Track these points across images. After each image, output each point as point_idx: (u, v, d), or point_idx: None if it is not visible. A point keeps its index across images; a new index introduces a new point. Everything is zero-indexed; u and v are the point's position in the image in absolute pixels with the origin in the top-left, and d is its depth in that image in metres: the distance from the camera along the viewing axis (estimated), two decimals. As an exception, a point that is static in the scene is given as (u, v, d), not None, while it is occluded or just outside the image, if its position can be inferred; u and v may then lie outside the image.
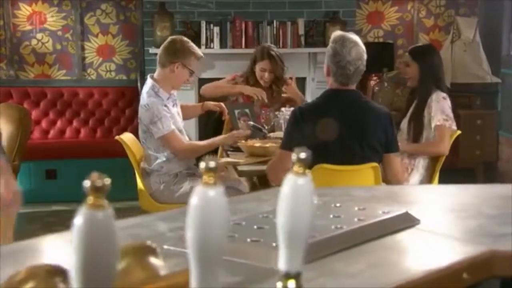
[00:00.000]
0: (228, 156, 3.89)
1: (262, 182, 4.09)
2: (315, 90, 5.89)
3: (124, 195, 4.17)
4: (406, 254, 1.17)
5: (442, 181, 4.15)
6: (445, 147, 3.70)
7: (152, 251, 0.85)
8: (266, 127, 4.14)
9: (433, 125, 3.69)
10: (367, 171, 3.20)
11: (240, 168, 3.56)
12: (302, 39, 6.00)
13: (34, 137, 5.95)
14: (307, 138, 3.05)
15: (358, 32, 6.29)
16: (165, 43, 3.74)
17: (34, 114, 6.01)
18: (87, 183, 0.83)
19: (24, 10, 6.04)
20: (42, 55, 6.11)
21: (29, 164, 5.50)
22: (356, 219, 1.26)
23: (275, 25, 5.96)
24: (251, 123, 4.04)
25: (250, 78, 4.39)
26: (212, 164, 0.85)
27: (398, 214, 1.31)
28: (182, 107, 3.92)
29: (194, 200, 0.84)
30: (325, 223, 1.23)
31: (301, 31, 5.99)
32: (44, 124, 6.06)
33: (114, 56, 6.19)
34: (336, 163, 3.09)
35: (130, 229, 1.33)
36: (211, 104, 4.06)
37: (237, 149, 3.86)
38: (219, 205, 0.84)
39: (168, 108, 3.64)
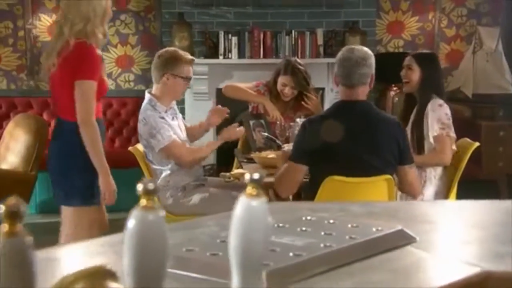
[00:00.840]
0: (241, 167, 3.86)
1: (277, 195, 4.04)
2: (333, 100, 5.81)
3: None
4: (396, 275, 1.12)
5: (462, 193, 4.06)
6: (447, 158, 3.61)
7: (111, 275, 0.82)
8: (281, 138, 4.09)
9: (431, 136, 3.61)
10: (380, 184, 3.13)
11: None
12: (321, 49, 5.96)
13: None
14: (316, 150, 3.02)
15: (378, 42, 6.26)
16: (154, 59, 3.73)
17: (53, 124, 6.01)
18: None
19: (45, 20, 6.09)
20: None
21: (46, 174, 5.51)
22: (347, 237, 1.22)
23: (293, 35, 5.92)
24: (265, 134, 4.00)
25: (273, 88, 4.32)
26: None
27: (392, 232, 1.26)
28: (188, 128, 3.91)
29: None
30: (315, 241, 1.19)
31: (320, 41, 5.94)
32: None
33: (133, 66, 6.21)
34: (348, 176, 3.03)
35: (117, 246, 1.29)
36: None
37: (252, 161, 3.81)
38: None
39: (166, 120, 3.61)
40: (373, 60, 3.07)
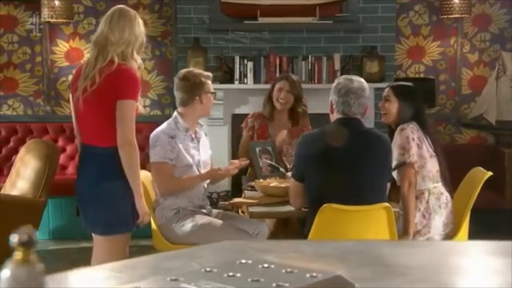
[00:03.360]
0: (244, 195, 3.75)
1: (281, 224, 3.93)
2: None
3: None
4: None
5: (481, 223, 3.91)
6: (403, 189, 3.45)
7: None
8: (289, 166, 3.98)
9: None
10: (379, 212, 3.05)
11: (251, 209, 3.40)
12: (338, 74, 5.83)
13: (68, 172, 5.96)
14: (311, 166, 3.09)
15: (398, 67, 6.13)
16: (178, 84, 3.71)
17: (69, 149, 6.04)
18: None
19: (62, 46, 6.12)
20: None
21: (61, 200, 5.50)
22: (274, 285, 1.10)
23: (310, 60, 5.83)
24: (267, 161, 3.90)
25: (266, 106, 4.34)
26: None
27: (328, 278, 1.14)
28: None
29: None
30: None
31: (337, 66, 5.83)
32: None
33: (149, 91, 6.18)
34: (345, 194, 3.00)
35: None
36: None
37: (255, 188, 3.71)
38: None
39: (176, 142, 3.56)
40: (369, 92, 3.17)
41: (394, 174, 3.44)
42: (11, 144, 5.98)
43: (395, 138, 3.49)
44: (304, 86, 5.67)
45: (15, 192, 4.87)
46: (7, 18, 6.04)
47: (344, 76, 3.28)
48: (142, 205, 2.96)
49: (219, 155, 5.73)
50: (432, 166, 3.56)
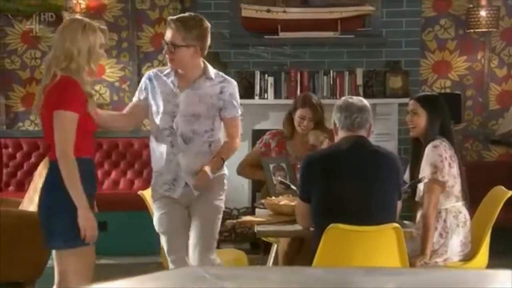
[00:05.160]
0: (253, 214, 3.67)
1: (297, 243, 3.84)
2: (374, 143, 5.55)
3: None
4: None
5: (503, 244, 3.77)
6: (427, 207, 3.37)
7: None
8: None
9: (422, 183, 3.40)
10: (388, 233, 2.93)
11: (258, 227, 3.31)
12: (360, 89, 5.74)
13: (88, 187, 5.94)
14: (316, 186, 3.01)
15: (423, 82, 5.99)
16: None
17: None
18: None
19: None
20: (99, 106, 6.04)
21: (81, 215, 5.47)
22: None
23: (331, 75, 5.74)
24: (279, 178, 3.81)
25: (286, 126, 4.22)
26: None
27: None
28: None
29: None
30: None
31: (360, 81, 5.73)
32: (99, 175, 6.06)
33: (169, 107, 6.15)
34: (352, 215, 2.92)
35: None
36: None
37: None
38: None
39: (150, 79, 3.37)
40: (371, 110, 3.14)
41: (420, 190, 3.38)
42: (33, 159, 6.00)
43: (426, 154, 3.40)
44: (325, 101, 5.59)
45: (32, 207, 4.85)
46: (30, 33, 6.08)
47: (344, 97, 3.26)
48: (84, 218, 2.81)
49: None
50: (458, 185, 3.45)
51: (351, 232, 2.87)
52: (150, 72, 3.38)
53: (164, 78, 3.30)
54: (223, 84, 3.33)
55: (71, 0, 6.05)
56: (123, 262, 5.31)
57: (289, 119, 4.23)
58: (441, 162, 3.37)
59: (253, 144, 5.74)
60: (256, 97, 5.73)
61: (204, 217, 3.28)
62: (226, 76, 3.41)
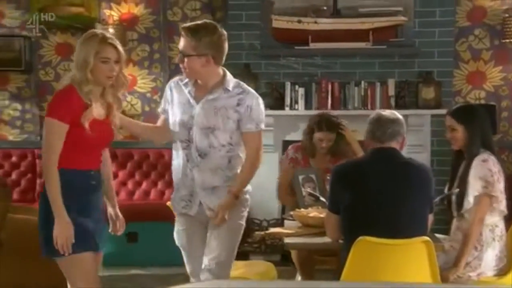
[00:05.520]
0: (281, 225, 3.64)
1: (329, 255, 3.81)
2: (406, 154, 5.47)
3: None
4: None
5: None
6: (473, 220, 3.30)
7: None
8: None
9: (471, 195, 3.33)
10: (418, 246, 2.87)
11: (286, 240, 3.27)
12: (392, 100, 5.68)
13: (121, 198, 5.98)
14: (345, 198, 2.97)
15: (456, 93, 5.89)
16: None
17: (121, 175, 6.07)
18: None
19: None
20: (130, 117, 6.15)
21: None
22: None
23: (363, 86, 5.69)
24: (308, 190, 3.78)
25: (307, 147, 4.20)
26: None
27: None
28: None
29: None
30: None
31: (391, 92, 5.68)
32: (130, 185, 6.09)
33: (200, 118, 6.16)
34: (381, 227, 2.87)
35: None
36: None
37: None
38: None
39: (170, 90, 3.24)
40: (404, 124, 3.09)
41: (469, 203, 3.32)
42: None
43: (474, 168, 3.34)
44: (356, 112, 5.59)
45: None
46: (64, 46, 6.17)
47: (376, 111, 3.25)
48: (57, 227, 2.74)
49: (268, 182, 5.63)
50: (504, 200, 3.42)
51: (380, 245, 2.82)
52: (171, 81, 3.25)
53: (183, 87, 3.14)
54: (241, 96, 3.07)
55: (105, 13, 6.12)
56: (154, 272, 5.31)
57: (309, 139, 4.18)
58: (491, 176, 3.31)
59: (283, 154, 5.71)
60: (287, 108, 5.71)
61: (222, 238, 3.09)
62: (247, 88, 3.13)
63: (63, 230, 2.75)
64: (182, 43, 3.04)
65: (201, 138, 3.06)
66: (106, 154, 3.06)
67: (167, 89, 3.23)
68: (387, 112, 3.11)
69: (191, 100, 3.09)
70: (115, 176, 6.04)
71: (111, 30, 5.87)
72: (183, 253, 3.24)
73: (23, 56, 6.06)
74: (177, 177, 3.18)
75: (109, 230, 3.07)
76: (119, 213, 3.10)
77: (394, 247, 2.84)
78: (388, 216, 2.89)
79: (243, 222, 3.18)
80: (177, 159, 3.16)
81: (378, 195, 2.92)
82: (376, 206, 2.90)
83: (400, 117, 3.09)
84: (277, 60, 5.81)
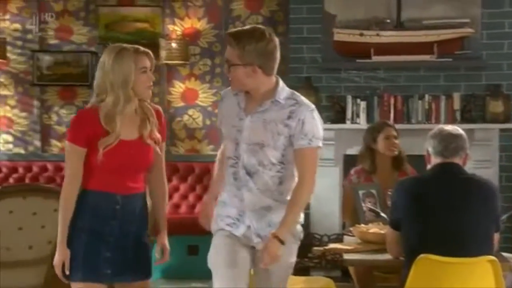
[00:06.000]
0: (341, 241, 3.57)
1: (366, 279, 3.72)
2: (472, 170, 5.28)
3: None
4: None
5: None
6: None
7: None
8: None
9: None
10: (483, 266, 2.76)
11: (345, 256, 3.20)
12: (458, 114, 5.53)
13: (182, 211, 6.02)
14: (407, 214, 2.89)
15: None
16: None
17: (182, 188, 6.11)
18: None
19: (178, 87, 6.26)
20: (192, 131, 6.26)
21: (173, 239, 5.49)
22: None
23: (427, 99, 5.57)
24: (369, 205, 3.70)
25: (366, 160, 4.13)
26: None
27: None
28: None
29: None
30: None
31: (457, 105, 5.54)
32: (191, 198, 6.12)
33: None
34: (444, 245, 2.76)
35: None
36: None
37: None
38: None
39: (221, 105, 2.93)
40: (467, 140, 2.99)
41: None
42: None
43: None
44: (419, 126, 5.47)
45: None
46: (128, 60, 6.27)
47: (438, 126, 3.15)
48: (57, 252, 2.63)
49: (329, 197, 5.56)
50: None
51: (442, 264, 2.72)
52: (224, 91, 2.93)
53: (234, 97, 2.80)
54: (293, 108, 2.68)
55: (168, 28, 6.21)
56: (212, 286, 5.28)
57: (368, 152, 4.13)
58: None
59: (345, 170, 5.62)
60: (348, 122, 5.65)
61: (271, 281, 2.75)
62: (301, 99, 2.74)
63: (58, 256, 2.63)
64: (227, 51, 2.74)
65: (249, 155, 2.71)
66: (158, 178, 2.80)
67: (220, 100, 2.94)
68: (449, 127, 3.02)
69: (241, 112, 2.75)
70: (176, 189, 6.09)
71: (173, 44, 5.95)
72: (217, 273, 2.76)
73: (90, 71, 6.21)
74: (224, 194, 2.83)
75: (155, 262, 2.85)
76: (166, 243, 2.86)
77: (457, 266, 2.74)
78: (450, 233, 2.79)
79: (294, 259, 2.80)
80: (226, 176, 2.83)
81: (440, 212, 2.82)
82: (438, 223, 2.80)
83: (463, 132, 2.99)
84: (338, 73, 5.75)
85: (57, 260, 2.64)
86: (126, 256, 2.70)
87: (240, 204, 2.76)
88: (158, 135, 2.72)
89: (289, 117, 2.67)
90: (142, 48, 2.69)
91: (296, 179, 2.73)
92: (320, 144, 2.71)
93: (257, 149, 2.70)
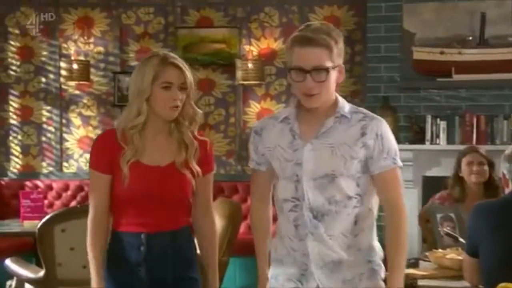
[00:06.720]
0: (416, 266, 3.42)
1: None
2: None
3: None
4: None
5: None
6: None
7: None
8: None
9: None
10: None
11: (420, 282, 3.06)
12: (547, 135, 5.26)
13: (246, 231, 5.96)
14: (486, 240, 2.74)
15: None
16: None
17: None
18: None
19: (254, 107, 6.25)
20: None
21: (248, 260, 5.47)
22: None
23: (512, 120, 5.33)
24: (446, 230, 3.53)
25: (454, 187, 3.99)
26: None
27: None
28: None
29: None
30: None
31: (547, 125, 5.26)
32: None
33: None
34: None
35: None
36: None
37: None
38: None
39: (257, 135, 2.34)
40: None
41: None
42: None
43: None
44: (505, 147, 5.14)
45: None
46: (205, 81, 6.32)
47: None
48: None
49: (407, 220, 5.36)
50: None
51: (523, 294, 2.54)
52: (256, 125, 2.34)
53: (280, 125, 2.24)
54: (364, 123, 2.20)
55: (244, 48, 6.23)
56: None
57: (456, 178, 3.99)
58: None
59: (424, 192, 5.44)
60: (427, 142, 5.47)
61: None
62: (367, 111, 2.29)
63: None
64: (310, 55, 2.12)
65: (316, 193, 2.18)
66: (202, 215, 2.40)
67: (251, 139, 2.32)
68: None
69: (296, 141, 2.20)
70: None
71: (250, 65, 5.95)
72: None
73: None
74: (280, 250, 2.27)
75: None
76: None
77: (540, 296, 2.54)
78: None
79: None
80: (281, 225, 2.26)
81: None
82: None
83: None
84: (417, 92, 5.59)
85: None
86: None
87: (303, 259, 2.22)
88: (197, 167, 2.32)
89: (362, 134, 2.18)
90: (172, 59, 2.29)
91: (373, 217, 2.26)
92: (401, 163, 2.25)
93: (326, 183, 2.18)
